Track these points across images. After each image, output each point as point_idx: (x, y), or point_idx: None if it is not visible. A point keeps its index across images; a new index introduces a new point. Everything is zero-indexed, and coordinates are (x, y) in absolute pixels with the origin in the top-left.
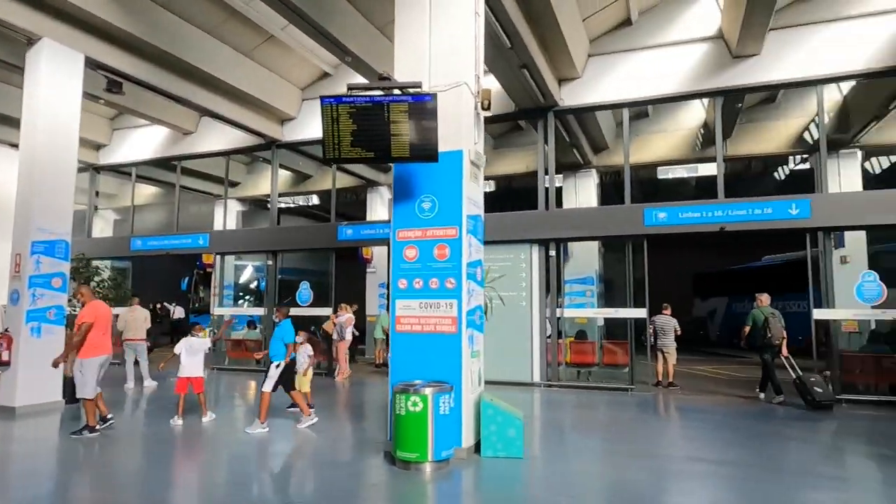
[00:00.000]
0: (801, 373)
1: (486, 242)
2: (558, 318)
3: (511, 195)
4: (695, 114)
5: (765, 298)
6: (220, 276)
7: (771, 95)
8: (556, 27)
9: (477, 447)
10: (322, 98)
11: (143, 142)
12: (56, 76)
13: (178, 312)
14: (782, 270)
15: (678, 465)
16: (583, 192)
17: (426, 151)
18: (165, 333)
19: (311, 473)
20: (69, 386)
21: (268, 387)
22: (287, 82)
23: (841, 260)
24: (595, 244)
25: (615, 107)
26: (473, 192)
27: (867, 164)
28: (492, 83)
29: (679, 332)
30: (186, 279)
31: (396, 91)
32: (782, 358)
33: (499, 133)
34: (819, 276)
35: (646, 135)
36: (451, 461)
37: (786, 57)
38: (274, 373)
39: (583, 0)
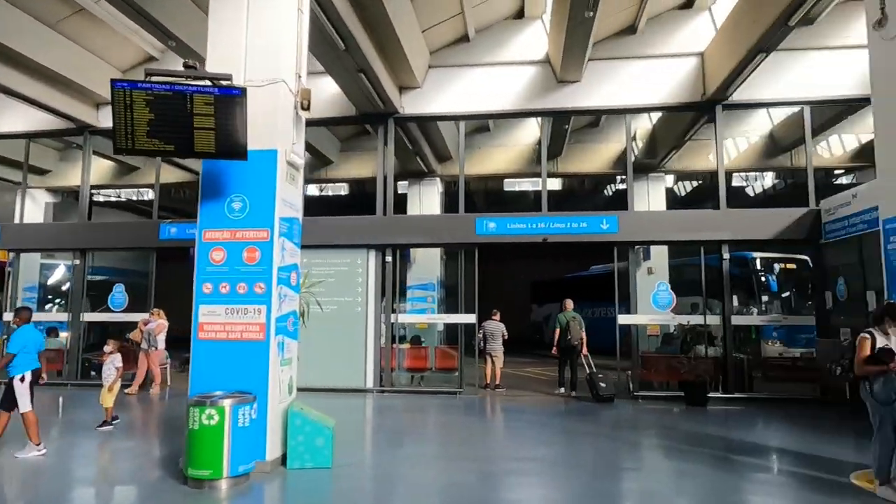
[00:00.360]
0: (594, 370)
1: (322, 246)
2: (393, 324)
3: (362, 199)
4: (531, 131)
5: (569, 304)
6: (13, 277)
7: (595, 120)
8: (393, 35)
9: (284, 459)
10: (113, 82)
11: None
12: None
13: None
14: (604, 279)
15: (485, 465)
16: (427, 200)
17: (234, 149)
18: None
19: (87, 497)
20: None
21: (24, 406)
22: (105, 63)
23: (648, 271)
24: (437, 251)
25: (452, 118)
26: (290, 193)
27: (676, 187)
28: (330, 85)
29: (507, 337)
30: None
31: (203, 81)
32: (582, 357)
33: (346, 136)
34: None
35: (487, 148)
36: (252, 475)
37: (601, 86)
38: (22, 389)
39: (422, 12)
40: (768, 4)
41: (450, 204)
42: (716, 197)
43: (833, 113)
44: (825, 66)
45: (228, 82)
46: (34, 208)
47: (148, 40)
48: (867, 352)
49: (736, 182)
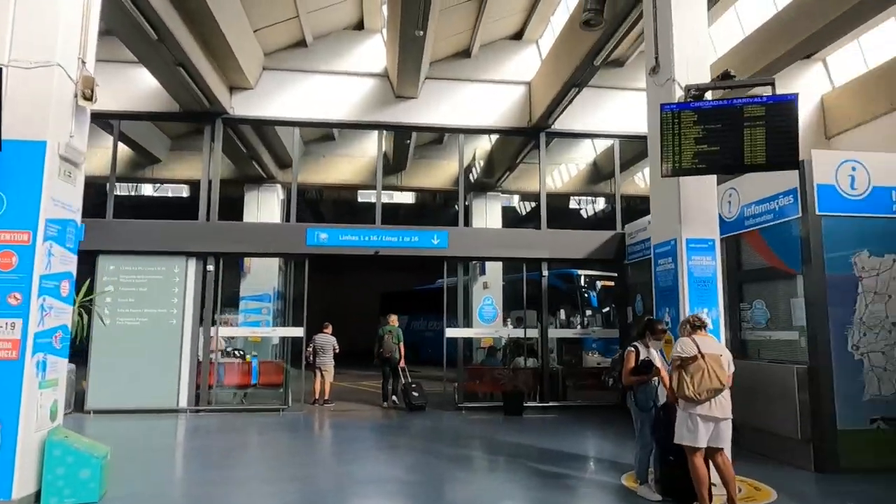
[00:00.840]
0: (408, 381)
1: (133, 252)
2: (212, 338)
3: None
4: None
5: (392, 318)
6: None
7: (439, 137)
8: (217, 30)
9: (39, 495)
10: None
11: None
12: None
13: None
14: (451, 292)
15: (280, 486)
16: (266, 207)
17: None
18: None
19: None
20: None
21: None
22: None
23: (483, 285)
24: (275, 261)
25: (288, 124)
26: (64, 192)
27: (519, 206)
28: (151, 77)
29: (338, 350)
30: None
31: None
32: (399, 369)
33: (177, 134)
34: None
35: (332, 157)
36: None
37: (437, 104)
38: None
39: (254, 10)
40: (577, 44)
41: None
42: (554, 217)
43: (642, 147)
44: (633, 105)
45: None
46: None
47: None
48: (632, 364)
49: (573, 205)
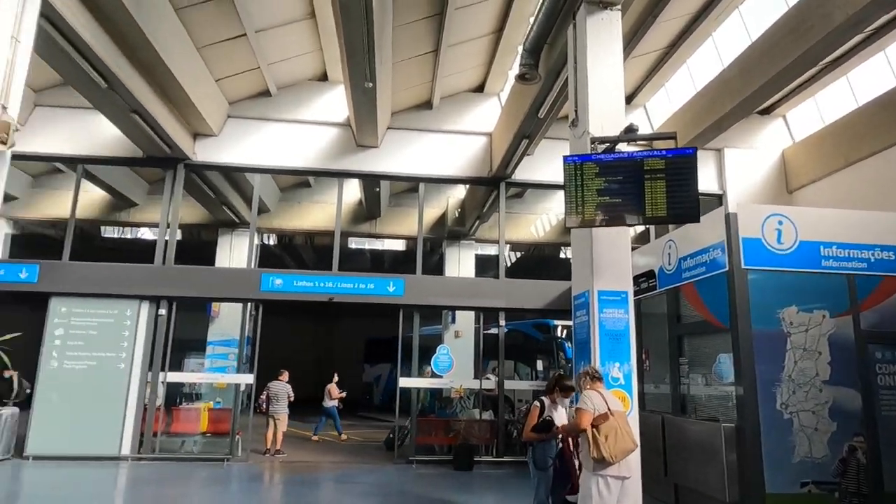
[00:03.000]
0: None
1: (86, 295)
2: (162, 383)
3: (190, 245)
4: (352, 191)
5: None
6: None
7: (414, 185)
8: (173, 80)
9: None
10: None
11: None
12: None
13: None
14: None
15: None
16: (238, 251)
17: None
18: None
19: None
20: None
21: None
22: None
23: (455, 334)
24: (241, 307)
25: (251, 170)
26: None
27: (507, 256)
28: (105, 124)
29: (292, 399)
30: None
31: None
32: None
33: (155, 178)
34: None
35: (307, 203)
36: None
37: (399, 154)
38: None
39: (215, 60)
40: (522, 98)
41: (267, 256)
42: (539, 268)
43: None
44: None
45: None
46: None
47: None
48: (534, 420)
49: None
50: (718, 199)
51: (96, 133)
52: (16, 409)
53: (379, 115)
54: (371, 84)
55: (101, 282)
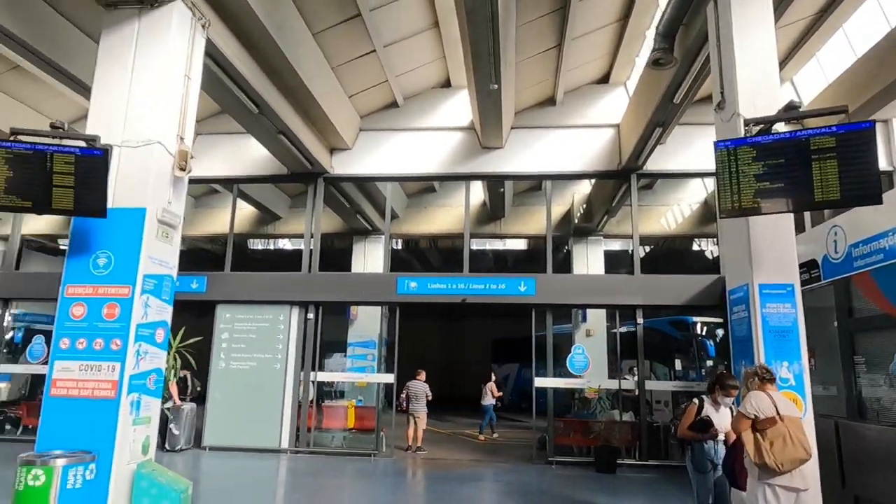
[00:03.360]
0: None
1: (245, 302)
2: (313, 382)
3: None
4: (476, 193)
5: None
6: None
7: (538, 183)
8: (313, 100)
9: None
10: None
11: None
12: None
13: None
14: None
15: None
16: (371, 257)
17: (93, 207)
18: None
19: None
20: None
21: None
22: (41, 115)
23: (586, 333)
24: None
25: (382, 179)
26: (160, 251)
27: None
28: (254, 146)
29: (430, 398)
30: None
31: (67, 141)
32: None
33: (295, 192)
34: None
35: (433, 208)
36: None
37: (523, 152)
38: None
39: (347, 78)
40: (655, 84)
41: (396, 260)
42: (672, 262)
43: None
44: None
45: (92, 143)
46: None
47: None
48: (691, 419)
49: (695, 247)
50: (889, 177)
51: (248, 155)
52: (193, 405)
53: (503, 116)
54: (496, 85)
55: (257, 290)
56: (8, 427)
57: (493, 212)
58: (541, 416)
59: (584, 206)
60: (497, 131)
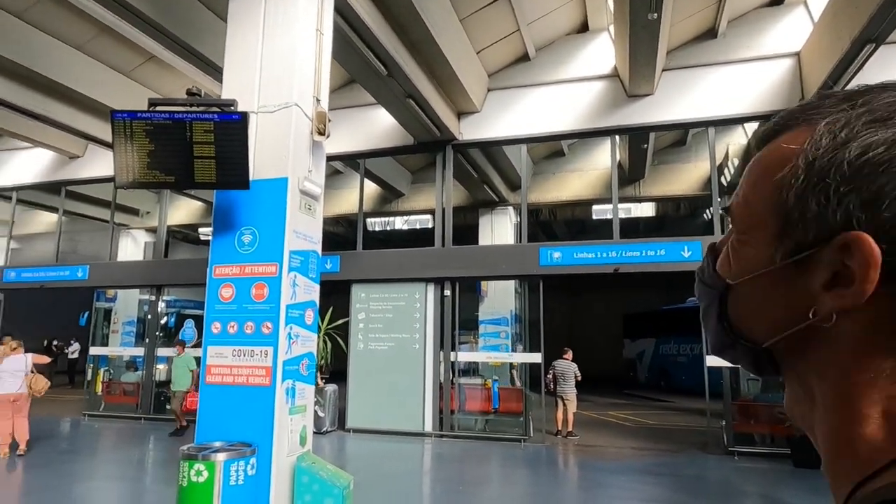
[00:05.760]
0: None
1: (378, 281)
2: (452, 363)
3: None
4: (609, 154)
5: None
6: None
7: (681, 137)
8: (441, 57)
9: None
10: (113, 113)
11: (26, 164)
12: None
13: (74, 350)
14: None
15: None
16: (499, 230)
17: (235, 178)
18: (62, 372)
19: None
20: None
21: None
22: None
23: None
24: (511, 284)
25: (515, 142)
26: (305, 225)
27: None
28: (386, 115)
29: (579, 378)
30: (86, 314)
31: (203, 108)
32: None
33: (416, 167)
34: None
35: (562, 173)
36: None
37: (678, 98)
38: None
39: (474, 32)
40: None
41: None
42: None
43: None
44: None
45: (229, 108)
46: (136, 247)
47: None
48: None
49: None
50: None
51: (372, 128)
52: (335, 386)
53: (658, 53)
54: (655, 14)
55: (392, 267)
56: (168, 407)
57: (631, 172)
58: (715, 400)
59: (742, 158)
60: (649, 74)
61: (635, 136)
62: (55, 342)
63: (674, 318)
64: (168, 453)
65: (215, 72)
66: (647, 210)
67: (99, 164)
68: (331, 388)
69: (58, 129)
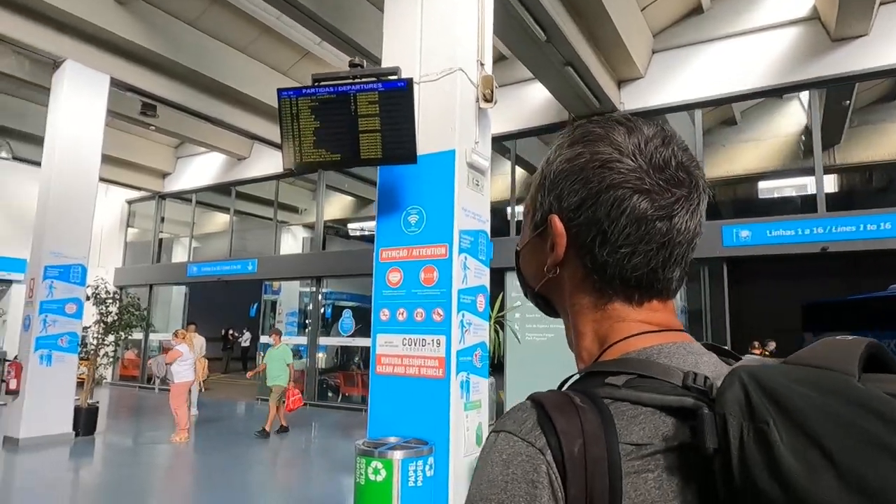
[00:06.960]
0: None
1: None
2: None
3: None
4: (791, 119)
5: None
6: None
7: (890, 91)
8: (604, 17)
9: None
10: (279, 91)
11: (202, 168)
12: (79, 97)
13: (246, 339)
14: None
15: None
16: None
17: (401, 150)
18: (236, 359)
19: None
20: (84, 417)
21: None
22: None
23: None
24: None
25: (686, 108)
26: (473, 201)
27: None
28: (537, 92)
29: None
30: (255, 305)
31: (367, 79)
32: None
33: None
34: None
35: (734, 144)
36: None
37: None
38: None
39: None
40: None
41: None
42: None
43: None
44: None
45: (393, 76)
46: (296, 242)
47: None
48: None
49: None
50: None
51: (521, 107)
52: (492, 379)
53: None
54: None
55: None
56: (330, 394)
57: (825, 137)
58: None
59: None
60: (867, 8)
61: (834, 91)
62: (231, 331)
63: (868, 308)
64: (328, 441)
65: (368, 60)
66: (829, 184)
67: (263, 163)
68: (488, 380)
69: (227, 131)
